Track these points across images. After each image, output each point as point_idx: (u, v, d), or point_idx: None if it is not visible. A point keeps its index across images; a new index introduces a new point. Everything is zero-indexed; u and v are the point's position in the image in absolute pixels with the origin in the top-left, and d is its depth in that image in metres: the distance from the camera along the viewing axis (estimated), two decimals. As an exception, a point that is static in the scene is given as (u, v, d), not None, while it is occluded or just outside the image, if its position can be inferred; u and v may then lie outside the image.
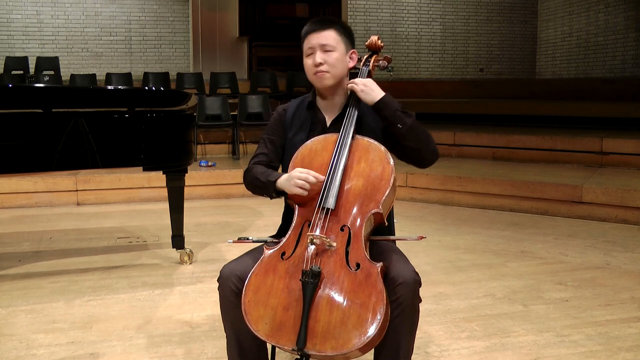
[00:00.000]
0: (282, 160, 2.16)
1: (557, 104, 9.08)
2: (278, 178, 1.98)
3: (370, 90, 2.01)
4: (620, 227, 4.93)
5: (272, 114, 2.24)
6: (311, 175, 1.88)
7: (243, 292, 1.80)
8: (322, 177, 1.91)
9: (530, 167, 6.46)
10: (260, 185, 2.04)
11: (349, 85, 2.06)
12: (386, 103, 1.99)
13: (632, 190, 5.03)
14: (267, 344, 1.82)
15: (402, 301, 1.79)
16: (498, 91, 11.16)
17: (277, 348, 1.95)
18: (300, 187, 1.89)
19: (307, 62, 2.06)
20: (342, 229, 1.85)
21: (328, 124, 2.11)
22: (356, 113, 2.04)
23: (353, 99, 2.07)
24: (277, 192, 1.99)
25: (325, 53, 2.03)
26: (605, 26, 11.67)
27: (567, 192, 5.29)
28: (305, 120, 2.13)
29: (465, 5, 13.05)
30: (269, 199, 2.07)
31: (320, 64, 2.02)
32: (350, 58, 2.09)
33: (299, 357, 1.72)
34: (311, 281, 1.73)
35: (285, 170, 2.04)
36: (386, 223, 1.97)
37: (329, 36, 2.03)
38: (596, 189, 5.18)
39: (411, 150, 2.02)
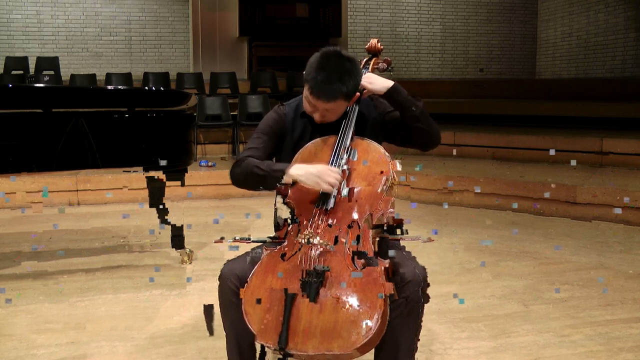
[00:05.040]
0: (271, 157, 2.14)
1: (557, 104, 9.07)
2: (286, 167, 1.95)
3: (376, 80, 2.07)
4: (620, 227, 4.92)
5: (271, 111, 2.18)
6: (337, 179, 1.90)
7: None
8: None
9: (530, 167, 6.46)
10: (261, 174, 1.98)
11: None
12: (397, 89, 2.06)
13: (632, 191, 5.03)
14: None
15: (410, 300, 1.80)
16: (498, 91, 11.13)
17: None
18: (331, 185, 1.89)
19: (307, 108, 2.04)
20: (340, 229, 1.85)
21: (327, 129, 2.08)
22: (355, 113, 2.05)
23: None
24: (282, 183, 1.97)
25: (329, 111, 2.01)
26: (605, 26, 11.66)
27: (567, 192, 5.29)
28: (305, 125, 2.11)
29: (465, 5, 13.05)
30: (264, 191, 2.04)
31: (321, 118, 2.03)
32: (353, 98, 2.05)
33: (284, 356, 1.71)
34: (314, 280, 1.72)
35: None
36: (387, 222, 1.97)
37: (336, 105, 1.99)
38: (596, 189, 5.17)
39: (421, 132, 2.08)
